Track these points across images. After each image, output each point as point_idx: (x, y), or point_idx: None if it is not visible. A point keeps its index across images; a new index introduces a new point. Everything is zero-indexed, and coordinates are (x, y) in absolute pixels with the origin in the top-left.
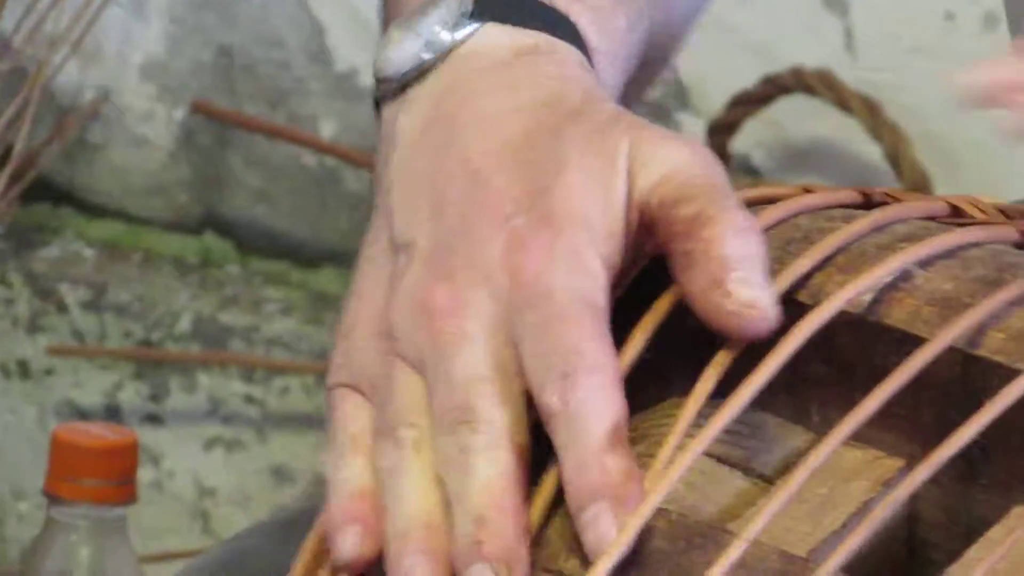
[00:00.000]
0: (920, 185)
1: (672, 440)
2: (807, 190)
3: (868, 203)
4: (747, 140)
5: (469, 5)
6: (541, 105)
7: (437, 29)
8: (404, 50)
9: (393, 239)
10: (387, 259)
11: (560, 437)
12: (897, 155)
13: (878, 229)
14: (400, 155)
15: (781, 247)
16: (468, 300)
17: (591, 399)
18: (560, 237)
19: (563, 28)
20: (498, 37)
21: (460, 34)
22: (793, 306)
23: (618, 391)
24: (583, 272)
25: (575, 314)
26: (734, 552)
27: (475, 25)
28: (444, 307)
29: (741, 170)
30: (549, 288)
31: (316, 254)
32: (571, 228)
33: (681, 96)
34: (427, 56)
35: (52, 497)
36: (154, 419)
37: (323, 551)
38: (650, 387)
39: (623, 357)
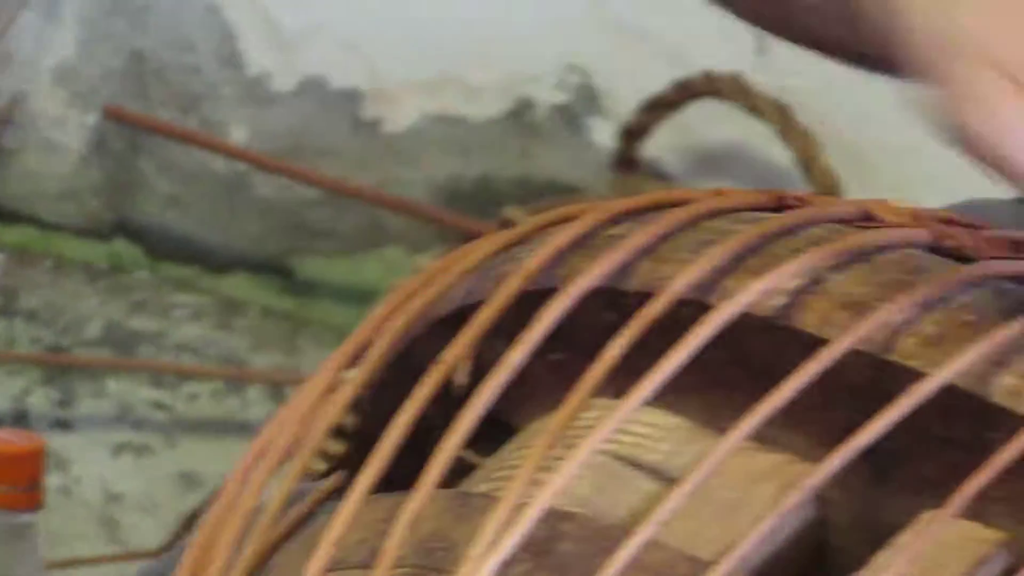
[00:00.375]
0: (831, 189)
1: (546, 440)
2: (719, 193)
3: (780, 206)
4: (659, 145)
5: None
6: None
7: None
8: None
9: None
10: None
11: None
12: (808, 159)
13: (790, 232)
14: None
15: (693, 249)
16: None
17: None
18: None
19: None
20: None
21: None
22: (704, 309)
23: None
24: None
25: None
26: (625, 552)
27: None
28: None
29: (653, 175)
30: None
31: (226, 260)
32: None
33: (592, 101)
34: None
35: None
36: (62, 424)
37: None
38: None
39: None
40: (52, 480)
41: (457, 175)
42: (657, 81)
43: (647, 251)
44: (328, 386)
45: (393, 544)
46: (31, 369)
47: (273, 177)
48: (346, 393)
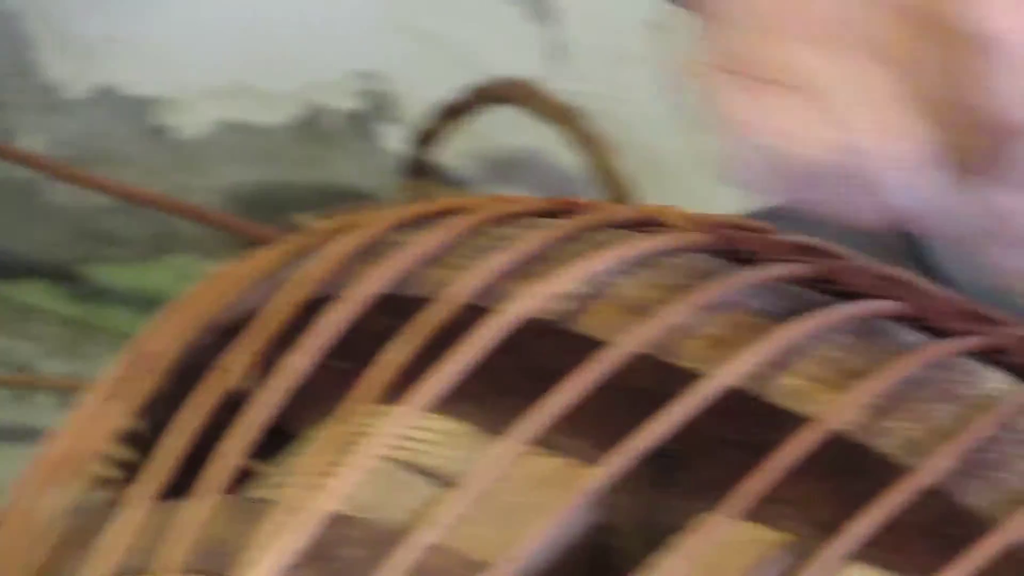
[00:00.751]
0: (625, 196)
1: (327, 445)
2: (503, 200)
3: (562, 212)
4: (452, 151)
5: None
6: None
7: None
8: None
9: None
10: None
11: None
12: (602, 166)
13: (573, 237)
14: None
15: (476, 255)
16: None
17: None
18: None
19: None
20: None
21: None
22: (485, 315)
23: None
24: None
25: None
26: (405, 556)
27: None
28: None
29: (445, 181)
30: None
31: (17, 267)
32: None
33: (384, 107)
34: None
35: None
36: None
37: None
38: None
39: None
40: None
41: (250, 182)
42: (450, 87)
43: (431, 258)
44: (110, 394)
45: (174, 550)
46: None
47: (65, 184)
48: (130, 402)
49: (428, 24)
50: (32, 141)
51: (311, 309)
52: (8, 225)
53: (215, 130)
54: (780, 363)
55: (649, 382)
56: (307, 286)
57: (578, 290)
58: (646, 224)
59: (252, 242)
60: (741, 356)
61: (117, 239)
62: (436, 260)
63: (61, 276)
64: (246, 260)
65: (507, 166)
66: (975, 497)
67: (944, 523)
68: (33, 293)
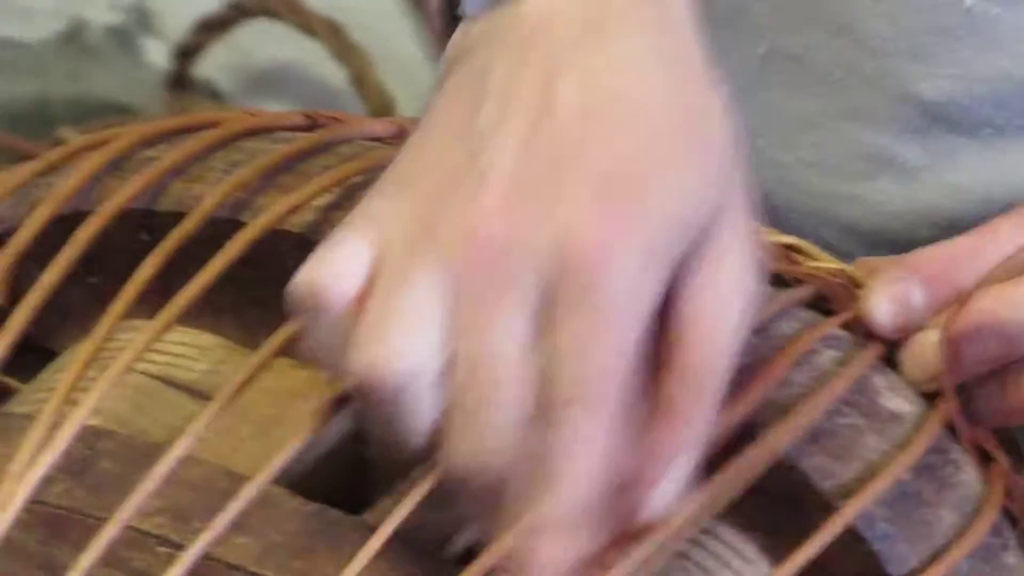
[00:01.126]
0: (386, 107)
1: (80, 360)
2: (252, 114)
3: (313, 126)
4: (211, 65)
5: None
6: None
7: None
8: None
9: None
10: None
11: None
12: (362, 78)
13: (321, 150)
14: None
15: (225, 169)
16: None
17: None
18: None
19: None
20: None
21: None
22: (237, 227)
23: None
24: None
25: None
26: (162, 468)
27: None
28: None
29: (205, 95)
30: None
31: None
32: None
33: (145, 21)
34: None
35: None
36: None
37: None
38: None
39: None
40: None
41: (10, 97)
42: (210, 2)
43: (179, 171)
44: None
45: None
46: None
47: None
48: None
49: None
50: None
51: (62, 226)
52: None
53: None
54: None
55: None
56: (56, 202)
57: (325, 201)
58: (395, 135)
59: (15, 157)
60: None
61: None
62: (187, 174)
63: None
64: None
65: (268, 79)
66: (818, 469)
67: (792, 492)
68: None
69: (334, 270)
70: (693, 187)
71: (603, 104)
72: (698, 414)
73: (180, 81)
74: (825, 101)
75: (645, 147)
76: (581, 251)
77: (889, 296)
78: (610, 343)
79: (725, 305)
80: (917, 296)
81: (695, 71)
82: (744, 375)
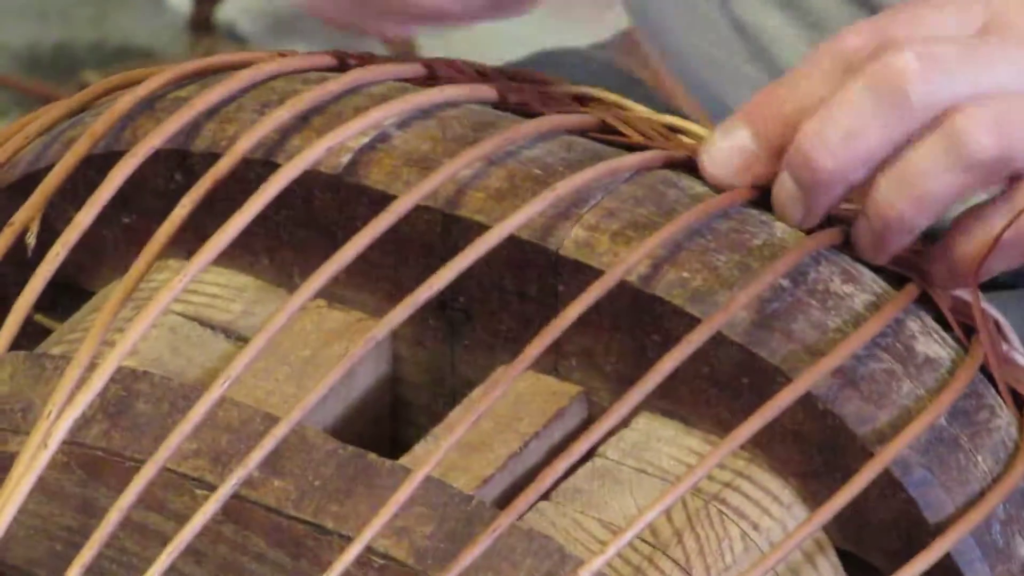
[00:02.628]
0: (408, 50)
1: (116, 301)
2: (282, 55)
3: (343, 66)
4: (233, 7)
5: None
6: None
7: None
8: None
9: None
10: None
11: None
12: None
13: (353, 90)
14: None
15: (257, 110)
16: None
17: None
18: None
19: None
20: None
21: None
22: (271, 168)
23: None
24: None
25: None
26: (199, 410)
27: None
28: None
29: (228, 38)
30: None
31: None
32: None
33: None
34: None
35: None
36: None
37: None
38: None
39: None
40: None
41: (34, 42)
42: None
43: (212, 112)
44: None
45: None
46: None
47: None
48: None
49: None
50: None
51: (95, 165)
52: None
53: None
54: (565, 214)
55: (432, 234)
56: (90, 141)
57: (359, 143)
58: (427, 77)
59: (39, 101)
60: (523, 208)
61: None
62: (219, 114)
63: None
64: (25, 119)
65: (287, 22)
66: (767, 348)
67: (738, 376)
68: None
69: None
70: None
71: None
72: None
73: (203, 24)
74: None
75: None
76: None
77: (718, 144)
78: None
79: None
80: (745, 138)
81: None
82: None
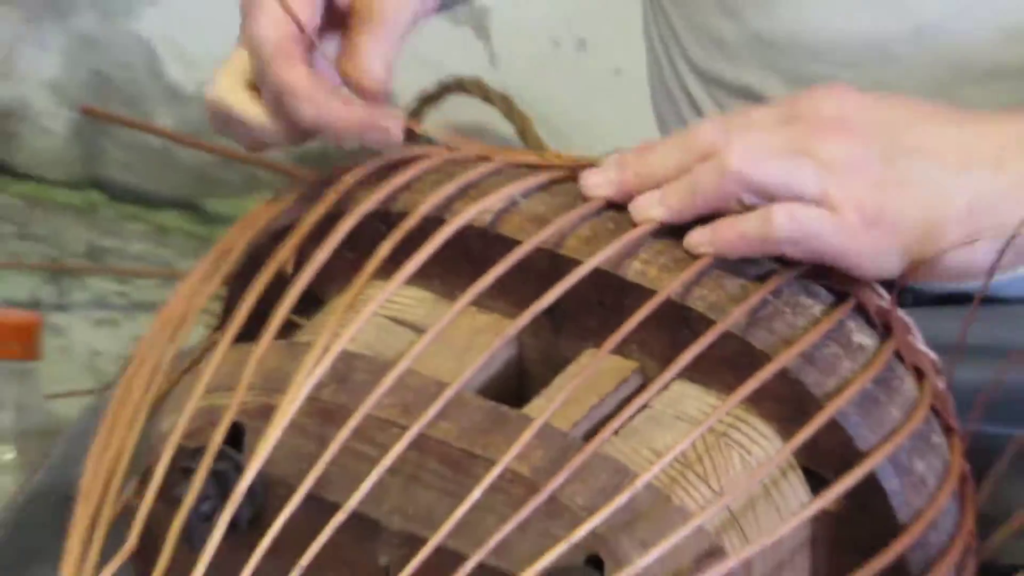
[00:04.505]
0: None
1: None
2: (448, 149)
3: (487, 158)
4: (431, 123)
5: None
6: None
7: None
8: None
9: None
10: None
11: None
12: (524, 132)
13: (496, 172)
14: None
15: (435, 185)
16: None
17: None
18: None
19: None
20: None
21: None
22: (442, 223)
23: None
24: None
25: None
26: (393, 377)
27: None
28: None
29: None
30: None
31: (159, 200)
32: None
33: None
34: None
35: None
36: (61, 308)
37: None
38: None
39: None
40: (53, 342)
41: (302, 150)
42: (422, 86)
43: (404, 187)
44: (206, 274)
45: (247, 374)
46: (39, 273)
47: (186, 148)
48: (218, 279)
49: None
50: (162, 121)
51: (331, 220)
52: (152, 175)
53: None
54: (628, 253)
55: (544, 265)
56: (327, 205)
57: (498, 207)
58: (542, 164)
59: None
60: (604, 249)
61: (223, 182)
62: (409, 188)
63: (187, 206)
64: (287, 193)
65: (466, 133)
66: (757, 340)
67: (739, 357)
68: (170, 218)
69: None
70: None
71: None
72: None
73: (409, 135)
74: None
75: None
76: None
77: (596, 174)
78: None
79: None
80: (612, 177)
81: None
82: None
